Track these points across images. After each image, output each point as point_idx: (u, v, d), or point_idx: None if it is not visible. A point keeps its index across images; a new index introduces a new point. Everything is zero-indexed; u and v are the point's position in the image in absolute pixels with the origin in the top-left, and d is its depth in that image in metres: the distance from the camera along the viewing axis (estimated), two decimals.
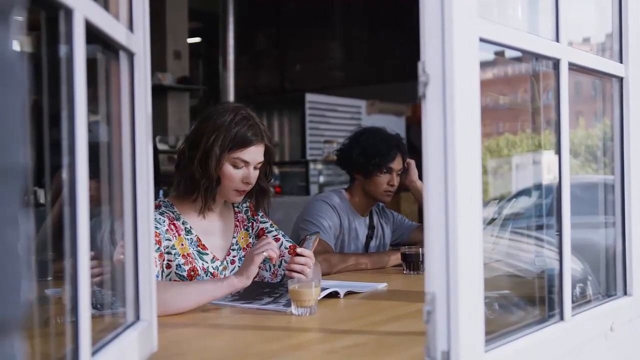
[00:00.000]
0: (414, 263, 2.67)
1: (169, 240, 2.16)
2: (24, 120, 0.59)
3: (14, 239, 0.57)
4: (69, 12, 1.00)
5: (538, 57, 1.59)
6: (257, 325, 1.79)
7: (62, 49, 1.02)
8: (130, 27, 1.36)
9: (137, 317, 1.38)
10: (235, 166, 2.21)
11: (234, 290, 2.01)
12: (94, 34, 1.11)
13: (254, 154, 2.23)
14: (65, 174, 1.01)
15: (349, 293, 2.20)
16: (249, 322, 1.81)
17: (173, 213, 2.24)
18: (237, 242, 2.37)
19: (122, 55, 1.34)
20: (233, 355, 1.58)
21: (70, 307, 1.02)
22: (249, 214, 2.44)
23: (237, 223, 2.40)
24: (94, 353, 1.08)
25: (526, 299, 1.73)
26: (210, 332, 1.78)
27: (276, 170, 8.00)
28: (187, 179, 2.23)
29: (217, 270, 2.27)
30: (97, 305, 1.35)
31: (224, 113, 2.21)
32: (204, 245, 2.26)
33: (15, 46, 0.61)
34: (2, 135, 0.55)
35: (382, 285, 2.38)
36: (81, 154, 1.02)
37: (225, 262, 2.30)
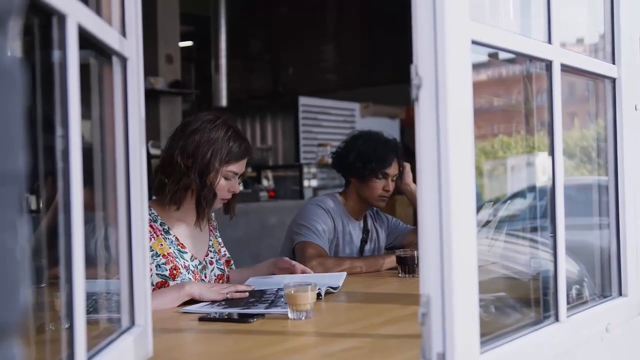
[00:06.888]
0: (409, 266, 2.67)
1: None
2: (22, 126, 0.59)
3: (13, 244, 0.57)
4: (62, 18, 1.00)
5: (530, 58, 1.59)
6: (252, 330, 1.78)
7: (55, 54, 1.01)
8: (123, 32, 1.36)
9: (132, 323, 1.38)
10: (226, 178, 2.33)
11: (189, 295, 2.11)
12: (86, 39, 1.11)
13: (244, 166, 2.38)
14: (59, 180, 1.01)
15: (329, 292, 2.24)
16: (245, 327, 1.80)
17: (150, 215, 2.27)
18: (212, 244, 2.48)
19: (115, 61, 1.34)
20: None
21: (65, 313, 1.02)
22: (216, 223, 2.57)
23: (211, 228, 2.52)
24: (89, 359, 1.08)
25: (522, 301, 1.73)
26: (205, 337, 1.78)
27: (270, 174, 7.99)
28: (182, 190, 2.29)
29: (197, 269, 2.36)
30: (90, 310, 1.34)
31: (215, 128, 2.31)
32: (182, 244, 2.35)
33: (13, 52, 0.61)
34: (2, 141, 0.55)
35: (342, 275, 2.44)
36: (75, 160, 1.02)
37: (204, 262, 2.41)
